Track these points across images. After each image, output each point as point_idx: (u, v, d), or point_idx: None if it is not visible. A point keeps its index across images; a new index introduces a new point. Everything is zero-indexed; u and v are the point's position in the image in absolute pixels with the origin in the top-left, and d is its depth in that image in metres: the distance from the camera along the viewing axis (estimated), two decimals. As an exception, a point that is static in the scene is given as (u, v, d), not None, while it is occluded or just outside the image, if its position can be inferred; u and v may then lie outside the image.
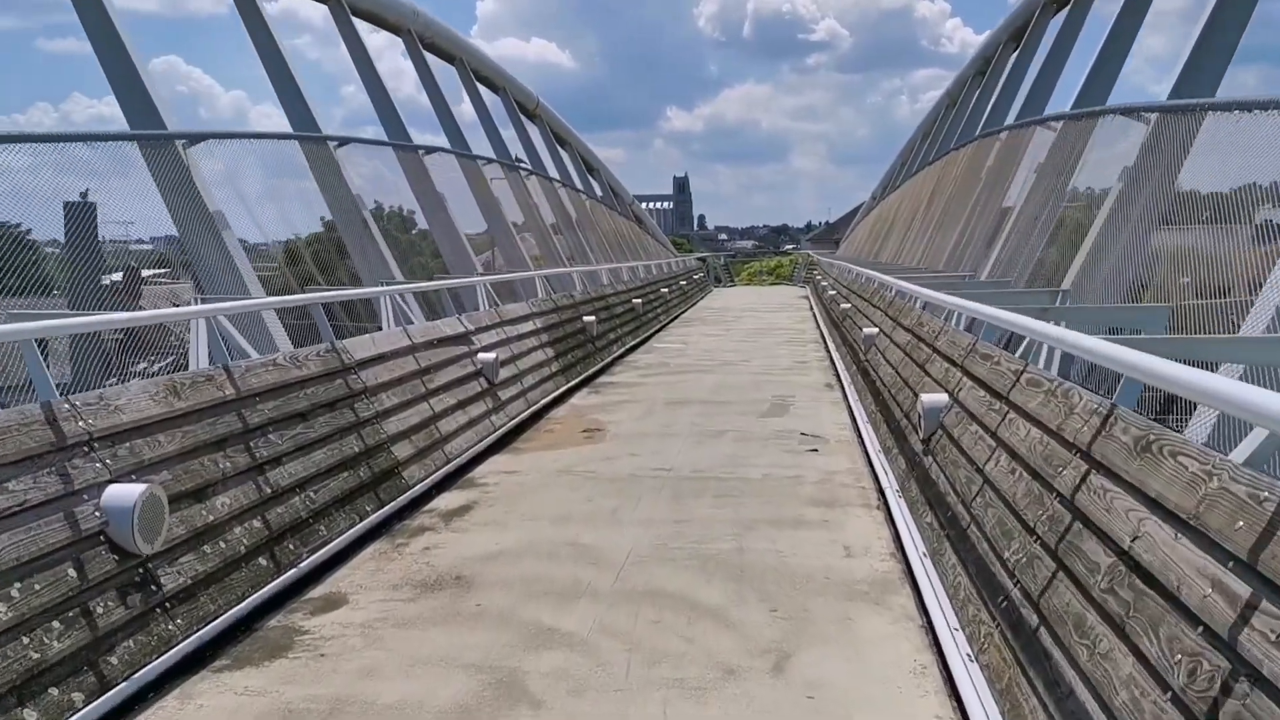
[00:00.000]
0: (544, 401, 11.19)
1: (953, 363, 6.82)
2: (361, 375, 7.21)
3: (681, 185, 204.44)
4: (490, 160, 18.09)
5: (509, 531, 6.33)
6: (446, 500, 7.19)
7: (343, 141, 12.85)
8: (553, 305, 13.88)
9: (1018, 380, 5.10)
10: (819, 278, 35.18)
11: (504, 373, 10.37)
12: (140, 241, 11.43)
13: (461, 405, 8.87)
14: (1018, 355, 5.57)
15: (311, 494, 5.82)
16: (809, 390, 12.63)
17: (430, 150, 14.56)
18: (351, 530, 6.00)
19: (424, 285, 10.62)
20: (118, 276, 10.82)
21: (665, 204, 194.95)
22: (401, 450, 7.25)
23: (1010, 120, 15.11)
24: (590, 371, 14.08)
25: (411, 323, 9.38)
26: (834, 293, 23.70)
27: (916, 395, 7.75)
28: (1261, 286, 7.36)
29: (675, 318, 26.87)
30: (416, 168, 14.16)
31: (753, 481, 7.56)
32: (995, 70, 21.55)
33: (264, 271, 11.80)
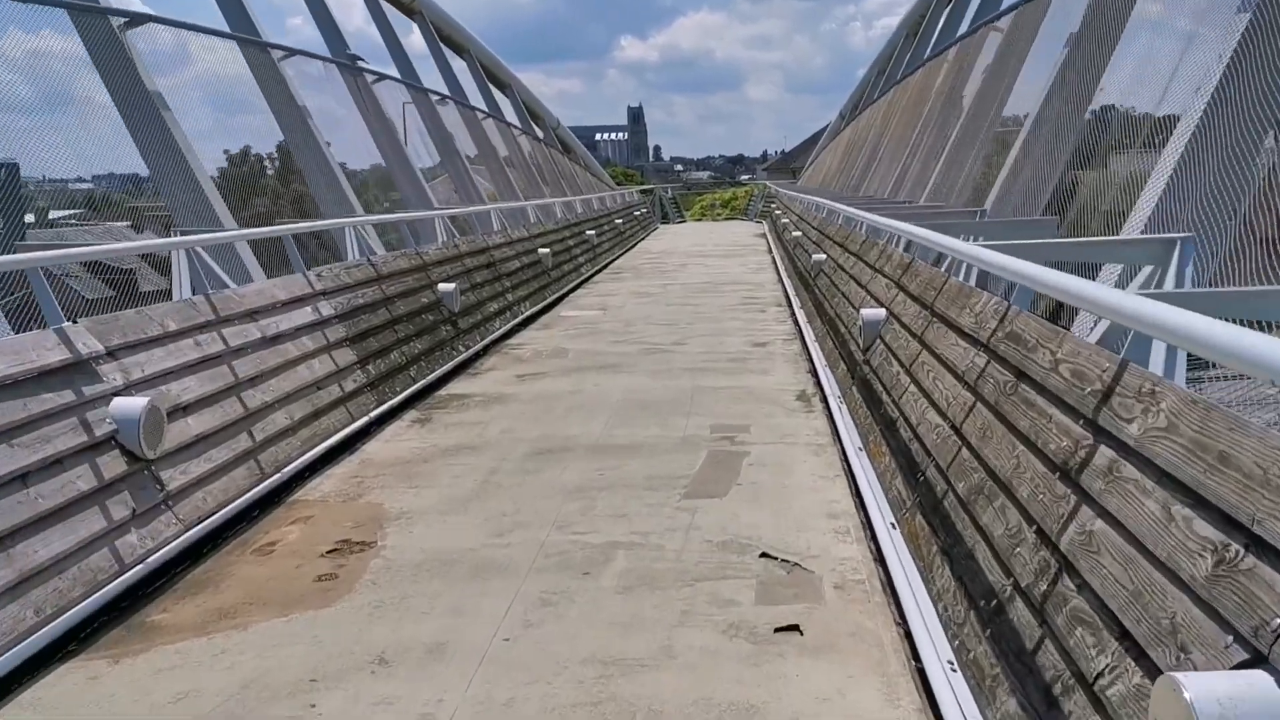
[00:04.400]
0: (305, 460, 6.26)
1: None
2: None
3: (636, 116, 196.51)
4: (294, 51, 12.58)
5: None
6: None
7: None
8: (372, 274, 8.83)
9: None
10: (779, 213, 30.20)
11: (194, 426, 5.42)
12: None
13: (6, 539, 3.92)
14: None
15: None
16: (775, 410, 7.81)
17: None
18: None
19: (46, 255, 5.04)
20: None
21: (620, 135, 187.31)
22: None
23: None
24: (437, 374, 9.14)
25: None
26: (798, 233, 18.83)
27: (1056, 547, 2.97)
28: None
29: (603, 267, 21.81)
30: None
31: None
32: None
33: None
